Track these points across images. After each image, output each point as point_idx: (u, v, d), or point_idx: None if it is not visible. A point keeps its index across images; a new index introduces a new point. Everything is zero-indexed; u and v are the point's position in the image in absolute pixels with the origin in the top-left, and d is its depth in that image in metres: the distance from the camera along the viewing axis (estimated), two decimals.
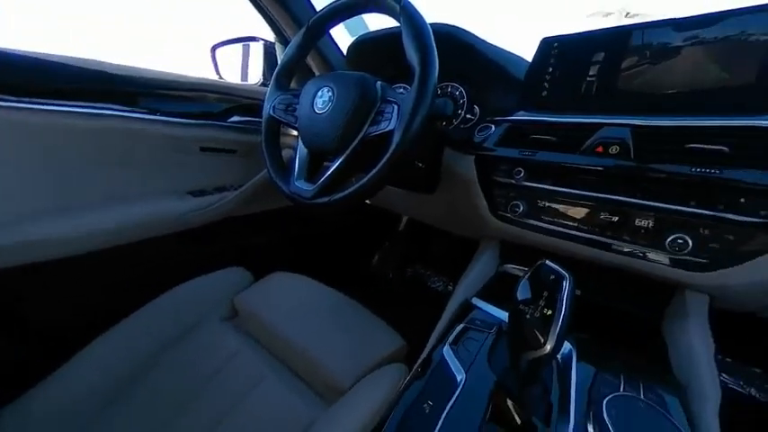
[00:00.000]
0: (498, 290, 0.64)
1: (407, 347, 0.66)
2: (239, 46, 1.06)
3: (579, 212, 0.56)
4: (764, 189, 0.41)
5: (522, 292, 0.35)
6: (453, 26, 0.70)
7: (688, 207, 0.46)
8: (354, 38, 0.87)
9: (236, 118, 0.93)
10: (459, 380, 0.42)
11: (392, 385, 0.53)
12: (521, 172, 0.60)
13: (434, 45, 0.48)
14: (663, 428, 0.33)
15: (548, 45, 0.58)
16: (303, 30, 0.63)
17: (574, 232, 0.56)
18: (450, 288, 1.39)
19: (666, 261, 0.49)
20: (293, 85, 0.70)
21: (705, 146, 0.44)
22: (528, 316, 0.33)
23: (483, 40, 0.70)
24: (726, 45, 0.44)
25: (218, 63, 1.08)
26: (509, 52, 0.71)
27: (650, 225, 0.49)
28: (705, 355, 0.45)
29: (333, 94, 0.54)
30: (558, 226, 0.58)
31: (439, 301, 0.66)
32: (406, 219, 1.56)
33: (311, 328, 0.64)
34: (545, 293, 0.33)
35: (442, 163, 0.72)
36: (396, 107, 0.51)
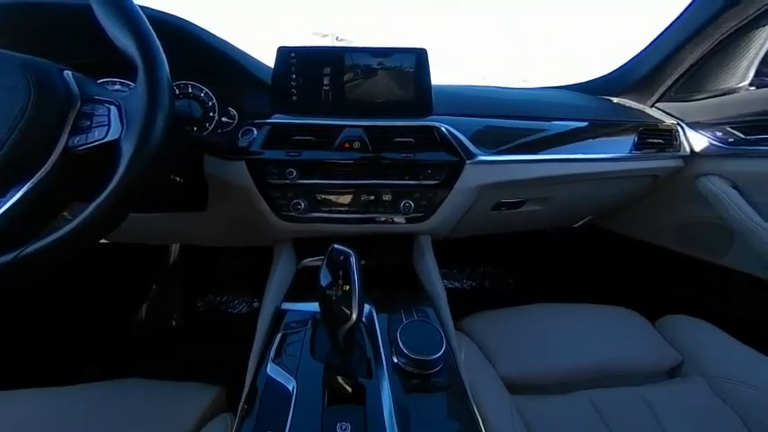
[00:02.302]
0: (304, 286, 0.67)
1: (225, 392, 0.56)
2: None
3: (347, 198, 0.67)
4: (437, 163, 0.66)
5: (324, 278, 0.39)
6: (163, 12, 0.58)
7: (404, 180, 0.66)
8: None
9: None
10: (291, 389, 0.41)
11: None
12: (293, 172, 0.64)
13: (150, 27, 0.39)
14: (428, 330, 0.48)
15: (286, 53, 0.63)
16: None
17: (349, 215, 0.68)
18: (255, 305, 1.29)
19: (403, 221, 0.70)
20: None
21: (403, 139, 0.65)
22: (334, 297, 0.38)
23: (207, 31, 0.63)
24: (396, 70, 0.65)
25: None
26: (237, 47, 0.67)
27: (390, 198, 0.68)
28: (434, 273, 0.69)
29: None
30: (336, 213, 0.68)
31: (249, 322, 0.60)
32: (177, 247, 1.26)
33: None
34: (341, 272, 0.39)
35: (204, 173, 0.63)
36: (114, 109, 0.38)
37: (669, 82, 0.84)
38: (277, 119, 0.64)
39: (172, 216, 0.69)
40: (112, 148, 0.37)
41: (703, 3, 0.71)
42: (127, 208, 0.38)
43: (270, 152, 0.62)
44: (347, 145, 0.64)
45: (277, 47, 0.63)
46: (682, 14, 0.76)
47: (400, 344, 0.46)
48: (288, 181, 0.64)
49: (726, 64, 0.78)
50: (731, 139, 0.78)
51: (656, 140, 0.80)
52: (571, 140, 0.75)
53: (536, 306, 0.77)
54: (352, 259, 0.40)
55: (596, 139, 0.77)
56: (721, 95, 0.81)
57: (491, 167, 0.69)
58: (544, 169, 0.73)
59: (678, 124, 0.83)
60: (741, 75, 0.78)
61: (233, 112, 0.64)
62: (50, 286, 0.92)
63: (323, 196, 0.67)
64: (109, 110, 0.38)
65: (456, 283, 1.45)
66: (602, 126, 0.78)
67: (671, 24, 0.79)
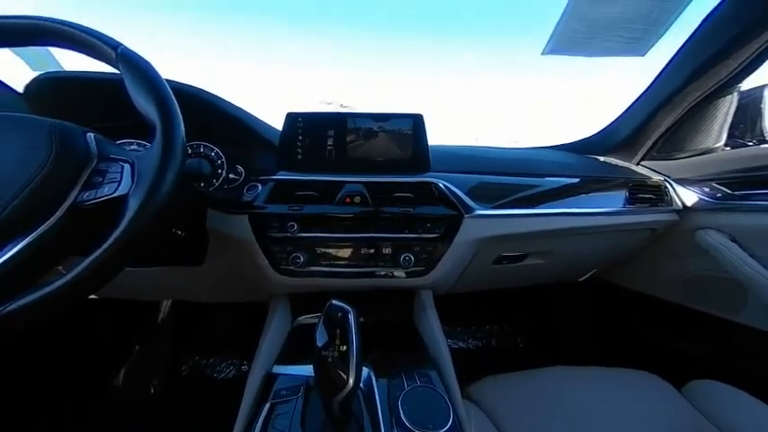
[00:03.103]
0: (297, 346, 0.63)
1: None
2: None
3: (347, 252, 0.67)
4: (436, 217, 0.67)
5: (321, 337, 0.36)
6: (187, 84, 0.66)
7: (404, 234, 0.67)
8: (40, 72, 0.62)
9: None
10: None
11: None
12: (294, 226, 0.64)
13: (172, 95, 0.43)
14: (432, 398, 0.44)
15: (294, 118, 0.69)
16: None
17: (348, 269, 0.67)
18: (245, 368, 1.19)
19: (403, 275, 0.68)
20: None
21: (402, 194, 0.68)
22: (330, 359, 0.35)
23: (223, 99, 0.70)
24: (395, 132, 0.70)
25: None
26: (250, 113, 0.73)
27: (390, 251, 0.67)
28: (437, 331, 0.65)
29: None
30: (336, 267, 0.66)
31: (236, 388, 0.55)
32: (168, 303, 1.21)
33: None
34: (338, 331, 0.37)
35: (206, 227, 0.64)
36: (127, 167, 0.40)
37: (649, 143, 0.89)
38: (281, 175, 0.67)
39: (167, 270, 0.68)
40: (119, 202, 0.37)
41: (670, 75, 0.80)
42: (123, 262, 0.38)
43: (272, 206, 0.64)
44: (348, 200, 0.66)
45: (286, 113, 0.69)
46: (652, 84, 0.84)
47: (402, 415, 0.41)
48: (288, 234, 0.64)
49: (699, 128, 0.84)
50: (719, 195, 0.80)
51: (647, 195, 0.83)
52: (565, 195, 0.78)
53: (550, 370, 0.71)
54: (351, 316, 0.38)
55: (589, 195, 0.80)
56: (700, 155, 0.86)
57: (489, 221, 0.70)
58: (542, 223, 0.74)
59: (666, 180, 0.86)
60: (715, 136, 0.84)
61: (240, 169, 0.68)
62: (20, 343, 0.86)
63: (322, 250, 0.67)
64: (123, 167, 0.40)
65: (461, 343, 1.36)
66: (593, 182, 0.82)
67: (644, 92, 0.87)
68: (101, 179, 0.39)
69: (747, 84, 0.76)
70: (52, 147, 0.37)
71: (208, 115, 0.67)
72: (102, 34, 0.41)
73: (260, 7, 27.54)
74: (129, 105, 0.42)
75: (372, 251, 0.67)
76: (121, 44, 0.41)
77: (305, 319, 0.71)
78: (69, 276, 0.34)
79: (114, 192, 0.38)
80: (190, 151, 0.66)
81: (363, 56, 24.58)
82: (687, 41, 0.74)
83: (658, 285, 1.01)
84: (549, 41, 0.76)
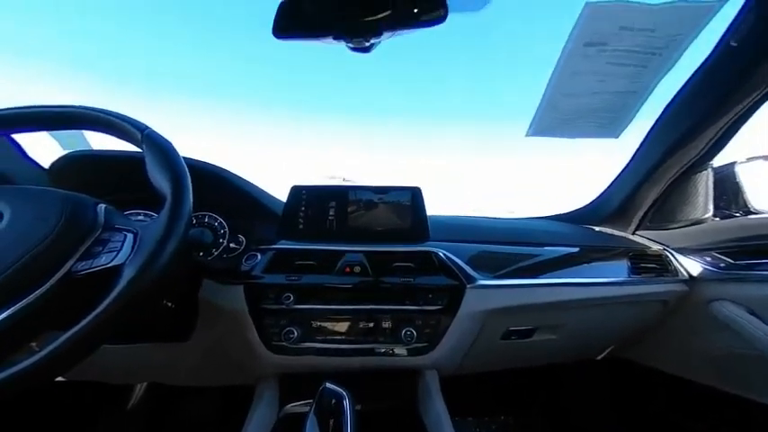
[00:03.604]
0: None
1: None
2: None
3: (344, 326, 0.63)
4: (437, 287, 0.65)
5: (311, 431, 0.31)
6: (201, 160, 0.71)
7: (404, 305, 0.64)
8: (67, 151, 0.68)
9: None
10: None
11: None
12: (290, 297, 0.62)
13: (187, 171, 0.46)
14: None
15: (298, 190, 0.72)
16: None
17: (345, 346, 0.62)
18: None
19: (405, 352, 0.63)
20: None
21: (402, 263, 0.67)
22: None
23: (235, 174, 0.75)
24: (395, 204, 0.73)
25: None
26: (258, 187, 0.78)
27: (390, 325, 0.63)
28: (444, 422, 0.57)
29: (4, 213, 0.36)
30: (332, 342, 0.62)
31: None
32: (142, 387, 1.08)
33: None
34: (331, 421, 0.32)
35: (198, 298, 0.61)
36: (130, 236, 0.40)
37: (641, 213, 0.92)
38: (282, 244, 0.67)
39: (148, 348, 0.63)
40: (114, 272, 0.37)
41: (647, 151, 0.86)
42: (104, 338, 0.35)
43: (270, 276, 0.62)
44: (348, 269, 0.64)
45: (291, 186, 0.72)
46: (633, 158, 0.90)
47: None
48: (284, 306, 0.61)
49: (685, 200, 0.88)
50: (722, 264, 0.79)
51: (649, 265, 0.82)
52: (567, 265, 0.77)
53: None
54: (346, 403, 0.33)
55: (591, 264, 0.79)
56: (692, 225, 0.88)
57: (494, 291, 0.68)
58: (548, 293, 0.71)
59: (665, 249, 0.86)
60: (703, 208, 0.87)
61: (241, 238, 0.68)
62: None
63: (318, 323, 0.63)
64: (125, 237, 0.40)
65: None
66: (593, 251, 0.81)
67: (627, 166, 0.92)
68: (101, 248, 0.39)
69: (720, 160, 0.83)
70: (61, 217, 0.38)
71: (217, 188, 0.71)
72: (131, 118, 0.46)
73: (278, 93, 30.77)
74: (145, 179, 0.45)
75: (371, 325, 0.63)
76: (148, 127, 0.46)
77: (293, 407, 0.62)
78: (39, 356, 0.31)
79: (111, 261, 0.38)
80: (194, 221, 0.67)
81: (368, 135, 27.05)
82: (656, 123, 0.82)
83: (681, 363, 0.92)
84: (530, 125, 0.84)
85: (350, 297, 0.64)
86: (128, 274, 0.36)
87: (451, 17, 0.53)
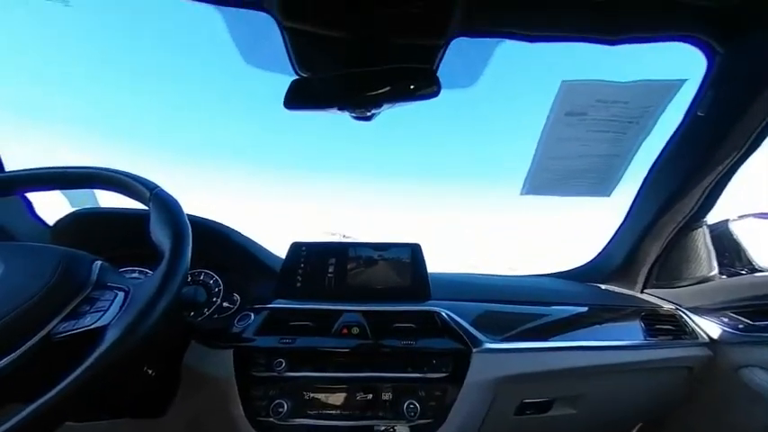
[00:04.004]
0: None
1: None
2: None
3: (340, 398, 0.57)
4: (441, 351, 0.60)
5: None
6: (205, 218, 0.72)
7: (406, 373, 0.58)
8: (75, 208, 0.69)
9: None
10: None
11: None
12: (281, 363, 0.57)
13: (189, 227, 0.46)
14: None
15: (298, 247, 0.72)
16: None
17: (340, 422, 0.55)
18: None
19: (407, 430, 0.55)
20: None
21: (403, 324, 0.63)
22: None
23: (235, 230, 0.75)
24: (395, 261, 0.72)
25: None
26: (257, 243, 0.78)
27: (391, 397, 0.57)
28: None
29: None
30: (325, 419, 0.55)
31: None
32: None
33: None
34: None
35: (182, 364, 0.56)
36: (121, 294, 0.39)
37: (645, 270, 0.90)
38: (277, 304, 0.64)
39: (115, 426, 0.55)
40: (96, 334, 0.34)
41: (642, 207, 0.87)
42: (68, 414, 0.31)
43: (262, 339, 0.58)
44: (345, 330, 0.60)
45: (291, 242, 0.72)
46: (629, 214, 0.91)
47: None
48: (275, 373, 0.56)
49: (687, 256, 0.87)
50: (741, 326, 0.75)
51: (665, 326, 0.77)
52: (578, 326, 0.72)
53: None
54: None
55: (603, 325, 0.74)
56: (699, 283, 0.86)
57: (503, 356, 0.63)
58: (563, 359, 0.66)
59: (678, 309, 0.83)
60: (707, 265, 0.86)
61: (236, 297, 0.66)
62: None
63: (311, 395, 0.57)
64: (116, 295, 0.39)
65: None
66: (603, 311, 0.78)
67: (623, 222, 0.93)
68: (88, 308, 0.37)
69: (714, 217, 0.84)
70: (54, 275, 0.37)
71: (217, 244, 0.70)
72: (142, 177, 0.48)
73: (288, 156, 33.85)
74: (146, 236, 0.45)
75: (370, 396, 0.57)
76: (158, 186, 0.47)
77: None
78: (6, 426, 0.27)
79: (95, 322, 0.35)
80: (189, 279, 0.66)
81: (369, 192, 27.13)
82: (644, 182, 0.85)
83: None
84: (524, 185, 0.88)
85: (347, 363, 0.59)
86: (110, 336, 0.34)
87: (445, 92, 0.60)
